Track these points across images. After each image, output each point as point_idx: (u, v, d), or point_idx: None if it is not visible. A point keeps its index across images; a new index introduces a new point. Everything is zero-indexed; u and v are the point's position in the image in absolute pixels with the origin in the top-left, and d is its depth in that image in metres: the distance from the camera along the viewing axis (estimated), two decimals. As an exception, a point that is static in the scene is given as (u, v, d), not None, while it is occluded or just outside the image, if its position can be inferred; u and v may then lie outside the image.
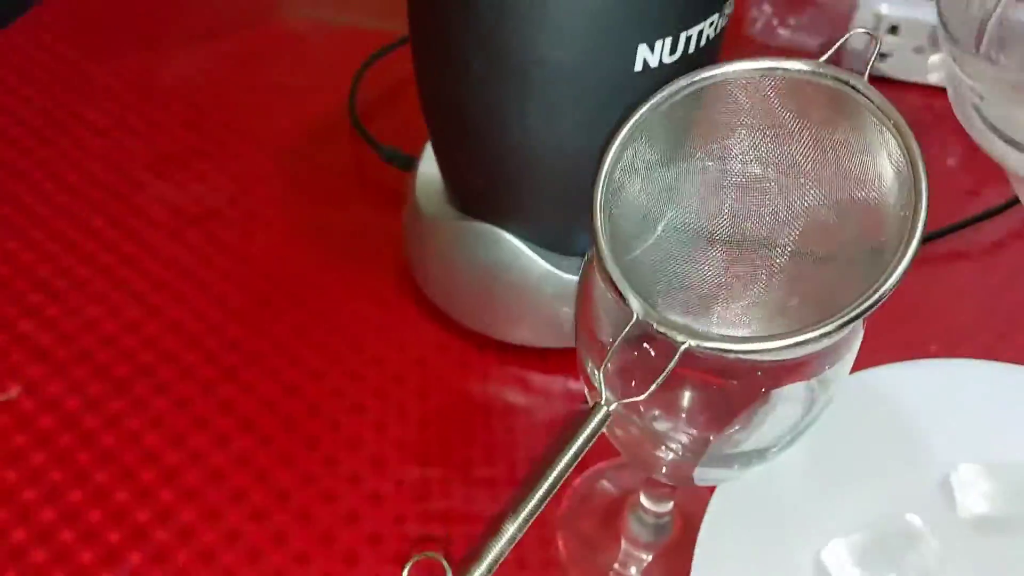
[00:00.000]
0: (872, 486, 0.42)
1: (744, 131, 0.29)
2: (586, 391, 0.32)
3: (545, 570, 0.41)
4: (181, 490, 0.43)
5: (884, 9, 0.63)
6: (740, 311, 0.29)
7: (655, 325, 0.26)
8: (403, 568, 0.26)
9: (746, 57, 0.28)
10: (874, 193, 0.27)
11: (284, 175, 0.57)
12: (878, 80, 0.64)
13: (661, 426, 0.31)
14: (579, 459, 0.26)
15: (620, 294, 0.27)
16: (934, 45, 0.63)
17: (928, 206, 0.25)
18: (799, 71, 0.27)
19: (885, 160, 0.27)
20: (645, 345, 0.28)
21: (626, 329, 0.26)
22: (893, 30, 0.63)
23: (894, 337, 0.50)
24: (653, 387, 0.26)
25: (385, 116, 0.61)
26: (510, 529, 0.25)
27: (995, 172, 0.59)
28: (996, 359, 0.49)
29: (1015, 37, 0.26)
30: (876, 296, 0.24)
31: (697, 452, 0.32)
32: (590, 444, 0.26)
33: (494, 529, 0.25)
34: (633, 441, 0.33)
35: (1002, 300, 0.52)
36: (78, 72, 0.64)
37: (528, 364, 0.48)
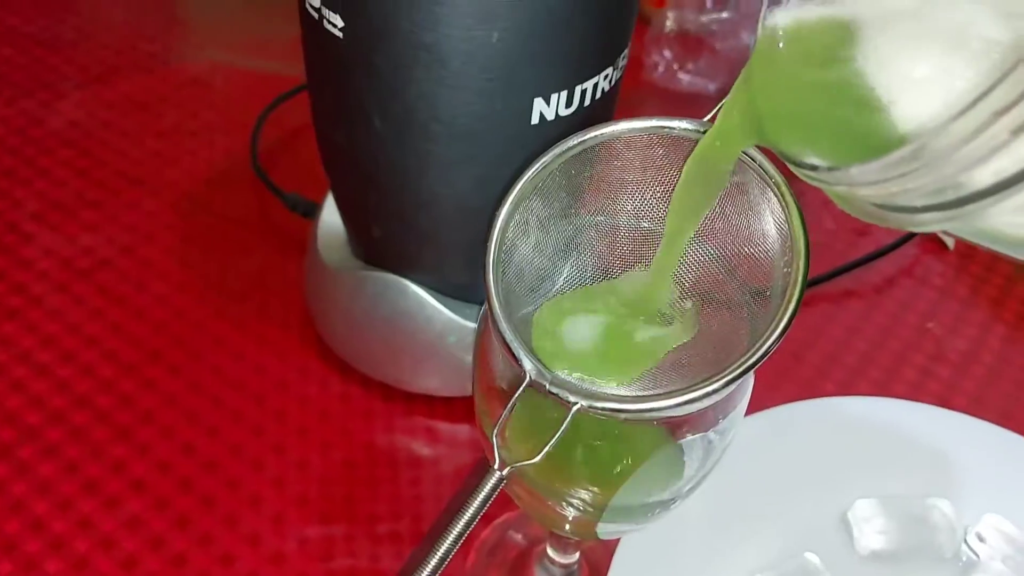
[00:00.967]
0: (772, 527, 0.43)
1: (634, 188, 0.29)
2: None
3: (453, 626, 0.41)
4: (69, 560, 0.41)
5: (776, 55, 0.65)
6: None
7: (547, 386, 0.26)
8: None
9: (634, 117, 0.29)
10: (760, 249, 0.28)
11: (181, 224, 0.56)
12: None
13: (559, 484, 0.31)
14: (473, 525, 0.26)
15: (512, 354, 0.27)
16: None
17: (808, 262, 0.26)
18: (684, 130, 0.28)
19: (769, 217, 0.27)
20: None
21: (518, 392, 0.26)
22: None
23: (791, 377, 0.51)
24: (545, 450, 0.26)
25: (289, 161, 0.60)
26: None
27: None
28: (888, 395, 0.50)
29: None
30: (762, 351, 0.25)
31: (598, 507, 0.31)
32: (484, 509, 0.26)
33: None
34: (534, 499, 0.33)
35: (893, 336, 0.54)
36: (-39, 117, 0.61)
37: (434, 413, 0.48)
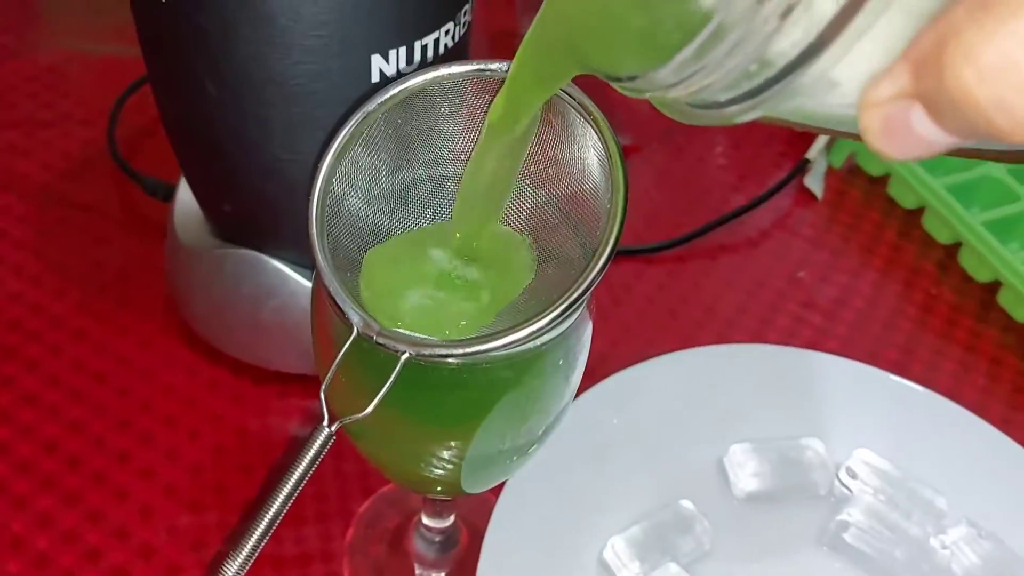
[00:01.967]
0: (650, 477, 0.43)
1: (465, 136, 0.29)
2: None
3: (334, 603, 0.40)
4: (-82, 569, 0.39)
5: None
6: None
7: (375, 338, 0.25)
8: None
9: (455, 61, 0.28)
10: (588, 187, 0.28)
11: (36, 217, 0.53)
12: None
13: (412, 442, 0.30)
14: (302, 486, 0.25)
15: (339, 308, 0.26)
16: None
17: (627, 196, 0.25)
18: (503, 71, 0.28)
19: (592, 155, 0.27)
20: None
21: (346, 345, 0.25)
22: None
23: (669, 331, 0.52)
24: (374, 403, 0.25)
25: (152, 147, 0.58)
26: (231, 569, 0.24)
27: (754, 167, 0.63)
28: (763, 343, 0.51)
29: None
30: (585, 285, 0.25)
31: (456, 461, 0.31)
32: (313, 468, 0.25)
33: (213, 569, 0.24)
34: (394, 462, 0.32)
35: (766, 286, 0.55)
36: None
37: (309, 393, 0.47)
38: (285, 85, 0.36)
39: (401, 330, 0.26)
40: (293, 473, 0.25)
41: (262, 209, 0.41)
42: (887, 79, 0.15)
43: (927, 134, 0.15)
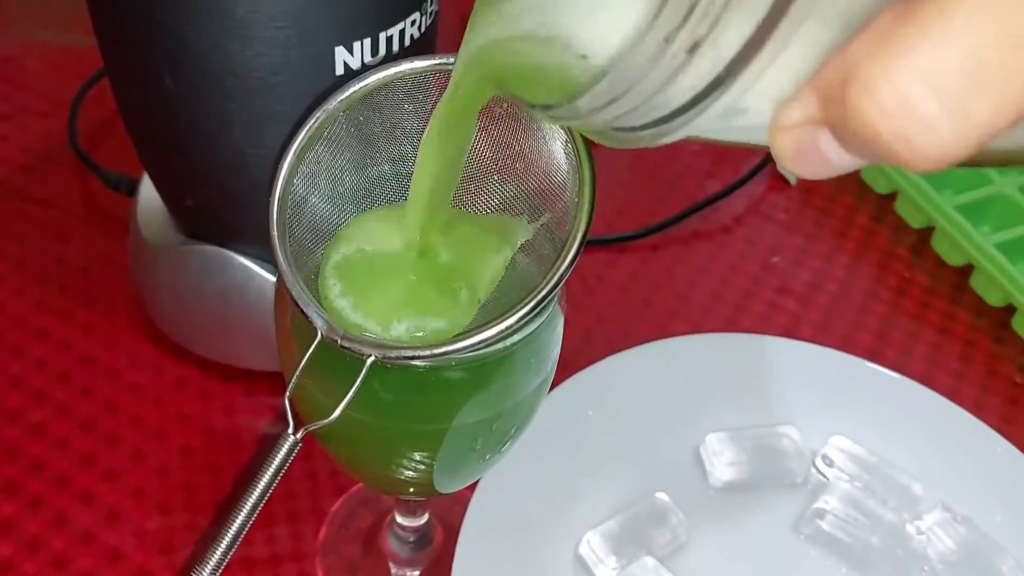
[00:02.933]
0: (626, 469, 0.43)
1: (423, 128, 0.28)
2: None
3: (307, 604, 0.39)
4: None
5: None
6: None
7: (339, 341, 0.25)
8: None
9: (418, 55, 0.28)
10: (557, 181, 0.27)
11: (-5, 213, 0.52)
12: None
13: (382, 448, 0.30)
14: (269, 494, 0.24)
15: (303, 312, 0.25)
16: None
17: (594, 191, 0.25)
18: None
19: (559, 148, 0.26)
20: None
21: (311, 348, 0.25)
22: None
23: (643, 320, 0.51)
24: (340, 407, 0.24)
25: (112, 140, 0.57)
26: (201, 577, 0.23)
27: (728, 153, 0.62)
28: (737, 330, 0.51)
29: None
30: (553, 281, 0.24)
31: (428, 464, 0.30)
32: (279, 476, 0.24)
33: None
34: (367, 468, 0.31)
35: (740, 273, 0.54)
36: None
37: (277, 390, 0.46)
38: (246, 78, 0.35)
39: (367, 333, 0.25)
40: (259, 482, 0.24)
41: (226, 204, 0.40)
42: (796, 105, 0.16)
43: (835, 158, 0.16)
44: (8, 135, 0.56)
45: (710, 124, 0.17)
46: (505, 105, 0.27)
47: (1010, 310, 0.52)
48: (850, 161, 0.16)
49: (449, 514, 0.41)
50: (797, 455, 0.44)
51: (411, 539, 0.40)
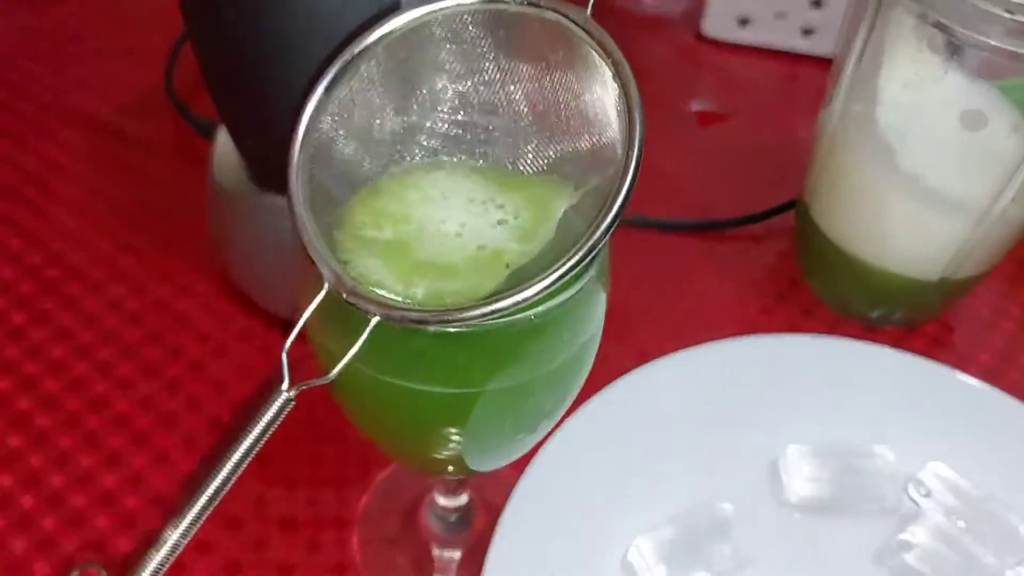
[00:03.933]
0: (685, 475, 0.39)
1: (468, 73, 0.26)
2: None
3: (341, 572, 0.38)
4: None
5: (745, -25, 0.60)
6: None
7: (345, 296, 0.23)
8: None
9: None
10: (605, 134, 0.24)
11: (93, 153, 0.53)
12: (735, 47, 0.62)
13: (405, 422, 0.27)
14: (254, 453, 0.23)
15: (313, 260, 0.23)
16: (796, 9, 0.60)
17: (642, 145, 0.22)
18: (519, 3, 0.24)
19: (611, 99, 0.23)
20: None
21: (314, 302, 0.23)
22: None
23: (721, 312, 0.47)
24: (338, 368, 0.22)
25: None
26: (172, 537, 0.22)
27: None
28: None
29: None
30: (579, 254, 0.21)
31: (455, 438, 0.28)
32: (267, 434, 0.23)
33: (157, 536, 0.22)
34: (383, 434, 0.29)
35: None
36: None
37: (339, 350, 0.44)
38: (308, 15, 0.33)
39: (376, 290, 0.23)
40: (245, 438, 0.22)
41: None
42: None
43: None
44: (114, 77, 0.57)
45: None
46: (561, 54, 0.25)
47: None
48: None
49: (494, 496, 0.38)
50: (888, 478, 0.40)
51: (451, 519, 0.38)
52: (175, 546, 0.22)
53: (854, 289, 0.46)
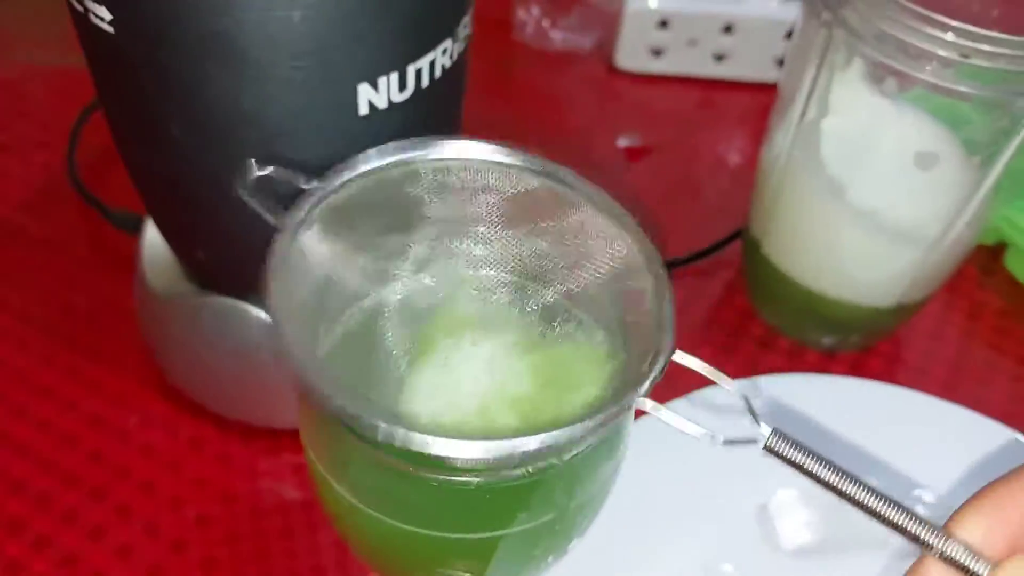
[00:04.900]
0: (681, 541, 0.38)
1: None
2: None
3: None
4: None
5: (653, 4, 0.60)
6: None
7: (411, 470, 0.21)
8: None
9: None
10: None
11: (-6, 257, 0.48)
12: (650, 78, 0.62)
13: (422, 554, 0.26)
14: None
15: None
16: (708, 36, 0.60)
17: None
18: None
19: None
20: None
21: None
22: (663, 25, 0.60)
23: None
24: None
25: (116, 170, 0.52)
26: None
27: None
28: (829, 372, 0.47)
29: None
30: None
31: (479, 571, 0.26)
32: None
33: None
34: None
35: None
36: None
37: (301, 449, 0.42)
38: (260, 125, 0.31)
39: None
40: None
41: (240, 257, 0.36)
42: None
43: None
44: (8, 169, 0.52)
45: None
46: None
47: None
48: None
49: None
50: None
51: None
52: None
53: (811, 319, 0.47)
